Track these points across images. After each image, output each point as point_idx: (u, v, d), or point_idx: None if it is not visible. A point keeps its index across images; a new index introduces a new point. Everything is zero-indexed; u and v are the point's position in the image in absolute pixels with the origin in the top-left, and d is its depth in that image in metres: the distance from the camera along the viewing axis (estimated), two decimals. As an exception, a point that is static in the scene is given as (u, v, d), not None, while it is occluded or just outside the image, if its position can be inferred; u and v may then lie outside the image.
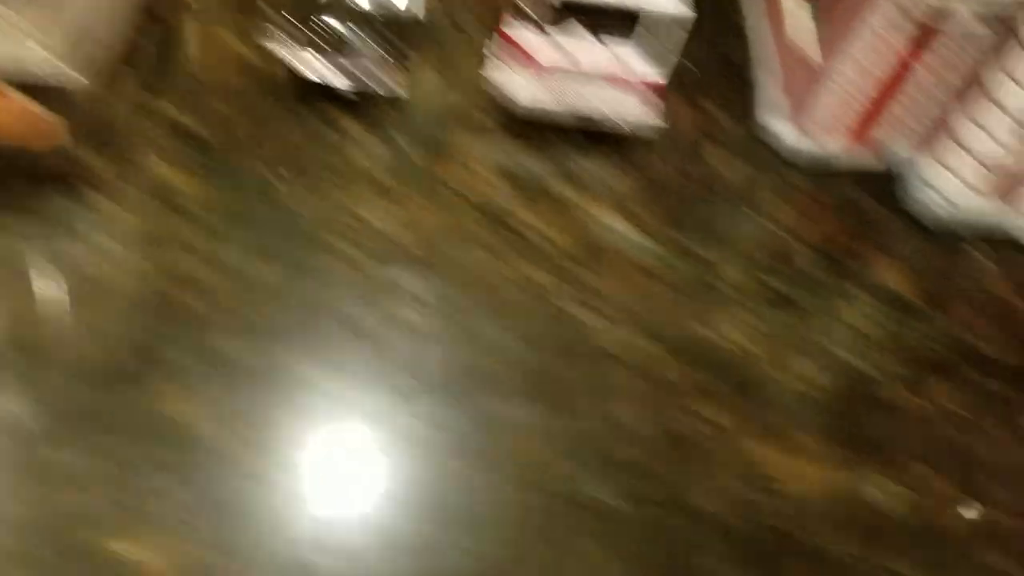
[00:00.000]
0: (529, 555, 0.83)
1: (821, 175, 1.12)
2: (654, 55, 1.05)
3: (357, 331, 0.93)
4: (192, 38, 1.16)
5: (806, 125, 1.11)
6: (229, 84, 1.12)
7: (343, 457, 0.86)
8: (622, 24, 1.03)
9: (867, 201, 1.11)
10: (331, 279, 0.97)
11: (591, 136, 1.12)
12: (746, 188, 1.11)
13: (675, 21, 1.02)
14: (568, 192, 1.08)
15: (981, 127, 1.00)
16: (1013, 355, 1.00)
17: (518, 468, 0.87)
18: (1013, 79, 0.95)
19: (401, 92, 1.12)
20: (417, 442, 0.87)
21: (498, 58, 1.10)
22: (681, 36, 1.03)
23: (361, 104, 1.12)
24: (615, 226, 1.05)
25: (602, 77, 1.06)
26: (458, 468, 0.86)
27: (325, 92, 1.10)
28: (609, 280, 1.01)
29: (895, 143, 1.11)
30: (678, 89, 1.16)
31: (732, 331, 0.97)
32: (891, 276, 1.05)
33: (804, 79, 1.09)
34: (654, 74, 1.06)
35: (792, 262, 1.05)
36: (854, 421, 0.94)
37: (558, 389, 0.92)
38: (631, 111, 1.09)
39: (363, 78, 1.10)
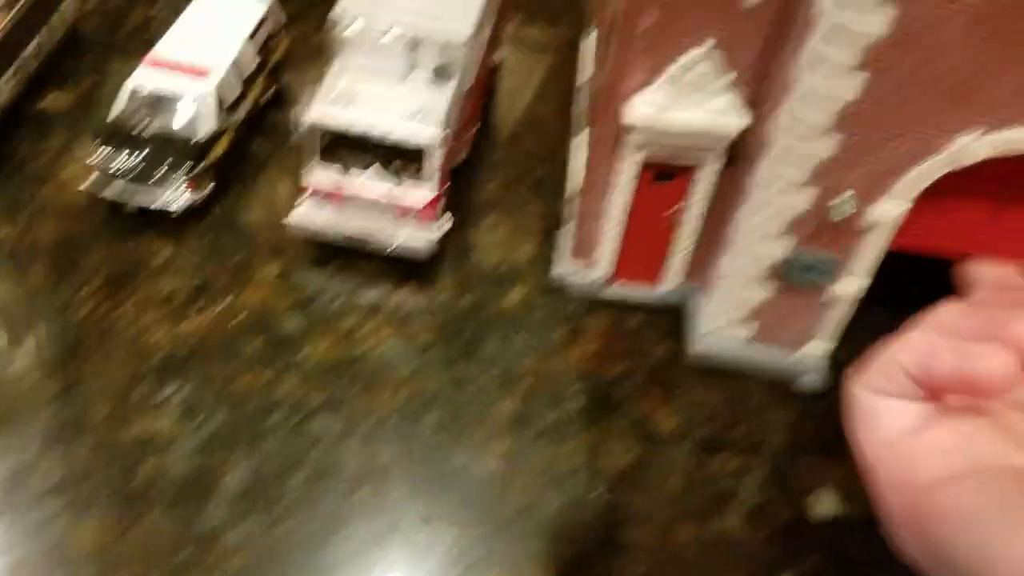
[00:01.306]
0: None
1: (604, 309, 1.18)
2: (422, 179, 1.12)
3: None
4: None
5: (588, 261, 1.17)
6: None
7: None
8: (394, 153, 1.11)
9: (645, 334, 1.17)
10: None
11: (382, 260, 1.18)
12: (531, 318, 1.16)
13: (423, 147, 1.09)
14: (353, 315, 1.14)
15: (732, 266, 1.06)
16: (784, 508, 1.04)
17: None
18: (754, 215, 1.01)
19: (192, 207, 1.19)
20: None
21: (298, 189, 1.17)
22: (435, 161, 1.10)
23: (162, 223, 1.18)
24: (393, 348, 1.10)
25: (379, 203, 1.13)
26: None
27: (138, 213, 1.18)
28: (375, 400, 1.05)
29: (669, 280, 1.16)
30: (478, 217, 1.24)
31: (490, 458, 1.01)
32: (658, 410, 1.09)
33: (582, 220, 1.15)
34: (424, 197, 1.13)
35: (565, 394, 1.09)
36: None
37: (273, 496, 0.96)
38: (407, 234, 1.15)
39: (164, 199, 1.17)
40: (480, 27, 1.20)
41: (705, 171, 1.03)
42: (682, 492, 1.00)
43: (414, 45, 1.14)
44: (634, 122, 0.97)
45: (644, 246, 1.15)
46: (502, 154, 1.38)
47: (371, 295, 1.15)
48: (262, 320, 1.11)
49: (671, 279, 1.17)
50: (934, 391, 0.46)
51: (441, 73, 1.14)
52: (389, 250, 1.15)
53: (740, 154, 1.00)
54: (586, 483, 0.99)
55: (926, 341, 0.46)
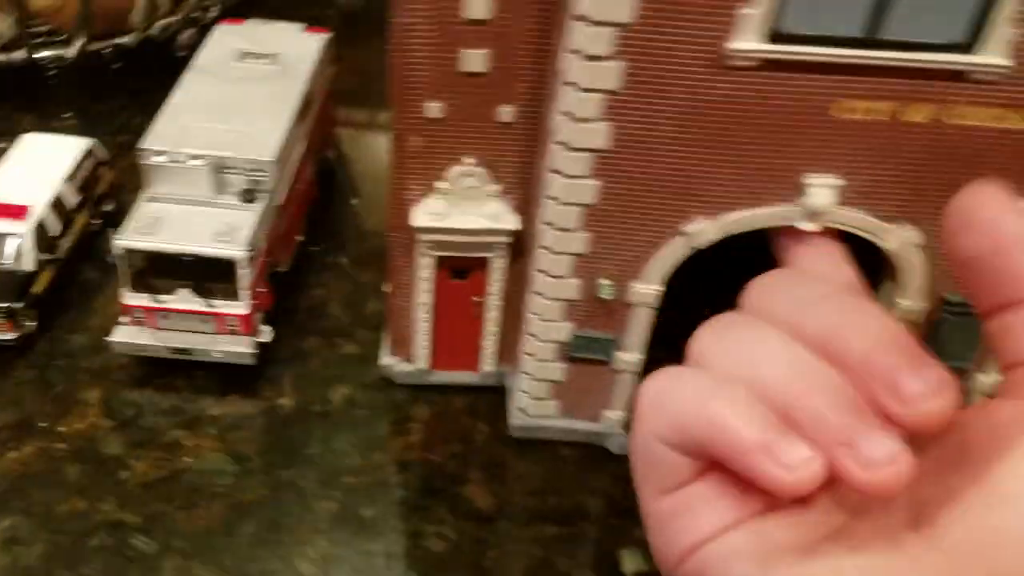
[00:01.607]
0: None
1: (428, 397, 1.25)
2: (233, 296, 1.18)
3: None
4: None
5: (406, 355, 1.24)
6: None
7: None
8: (205, 274, 1.17)
9: (468, 417, 1.25)
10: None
11: (204, 374, 1.23)
12: (355, 415, 1.22)
13: (230, 265, 1.15)
14: (175, 431, 1.18)
15: (530, 348, 1.15)
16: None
17: None
18: (537, 302, 1.10)
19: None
20: None
21: (120, 312, 1.21)
22: (244, 279, 1.16)
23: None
24: (214, 461, 1.14)
25: (196, 319, 1.19)
26: None
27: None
28: (193, 515, 1.08)
29: (486, 364, 1.25)
30: (304, 322, 1.31)
31: (304, 563, 1.05)
32: (477, 490, 1.16)
33: (394, 317, 1.23)
34: (238, 312, 1.19)
35: (387, 486, 1.15)
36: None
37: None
38: (226, 347, 1.21)
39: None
40: (287, 146, 1.28)
41: (495, 267, 1.13)
42: (496, 567, 1.07)
43: (220, 168, 1.21)
44: (419, 227, 1.06)
45: (456, 336, 1.23)
46: (330, 258, 1.46)
47: (193, 409, 1.20)
48: (84, 446, 1.13)
49: (487, 363, 1.25)
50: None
51: (248, 194, 1.21)
52: (212, 360, 1.20)
53: (522, 249, 1.10)
54: (401, 573, 1.04)
55: (676, 391, 0.36)
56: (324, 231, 1.50)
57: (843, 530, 0.35)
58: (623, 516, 1.14)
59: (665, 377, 0.37)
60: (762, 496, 0.34)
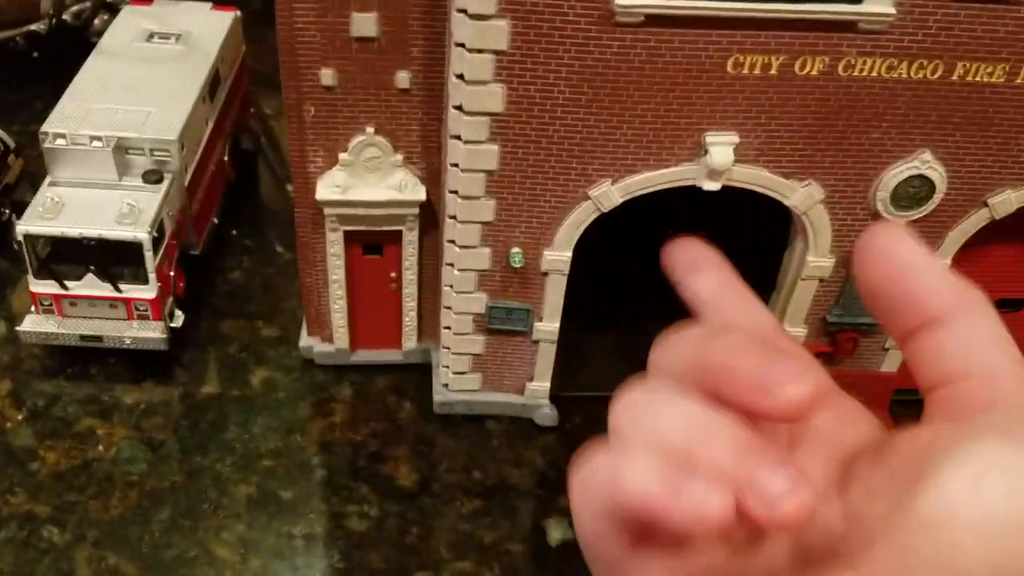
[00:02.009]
0: None
1: (350, 377, 1.23)
2: (141, 279, 1.15)
3: None
4: None
5: (325, 335, 1.22)
6: None
7: None
8: (111, 258, 1.14)
9: (391, 396, 1.23)
10: None
11: (117, 361, 1.20)
12: (273, 398, 1.20)
13: (133, 244, 1.12)
14: (87, 420, 1.14)
15: (449, 322, 1.13)
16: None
17: None
18: (452, 274, 1.08)
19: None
20: None
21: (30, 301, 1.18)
22: (151, 261, 1.13)
23: None
24: (127, 449, 1.11)
25: (105, 305, 1.15)
26: None
27: None
28: (106, 504, 1.06)
29: (408, 342, 1.23)
30: (220, 305, 1.28)
31: (221, 548, 1.03)
32: (401, 467, 1.14)
33: (309, 296, 1.20)
34: (147, 296, 1.15)
35: (307, 468, 1.13)
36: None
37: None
38: (137, 333, 1.17)
39: None
40: (193, 125, 1.25)
41: (407, 240, 1.11)
42: (420, 543, 1.06)
43: (124, 149, 1.18)
44: (323, 201, 1.04)
45: (376, 314, 1.21)
46: (248, 241, 1.43)
47: (107, 397, 1.17)
48: (-8, 440, 1.10)
49: (409, 341, 1.24)
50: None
51: (153, 174, 1.18)
52: (123, 347, 1.17)
53: (433, 222, 1.08)
54: (322, 555, 1.03)
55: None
56: (246, 214, 1.47)
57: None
58: (549, 487, 1.13)
59: (584, 466, 0.40)
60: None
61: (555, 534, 1.08)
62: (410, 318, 1.20)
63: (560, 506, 1.10)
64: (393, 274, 1.15)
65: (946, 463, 0.33)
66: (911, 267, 0.37)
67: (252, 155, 1.57)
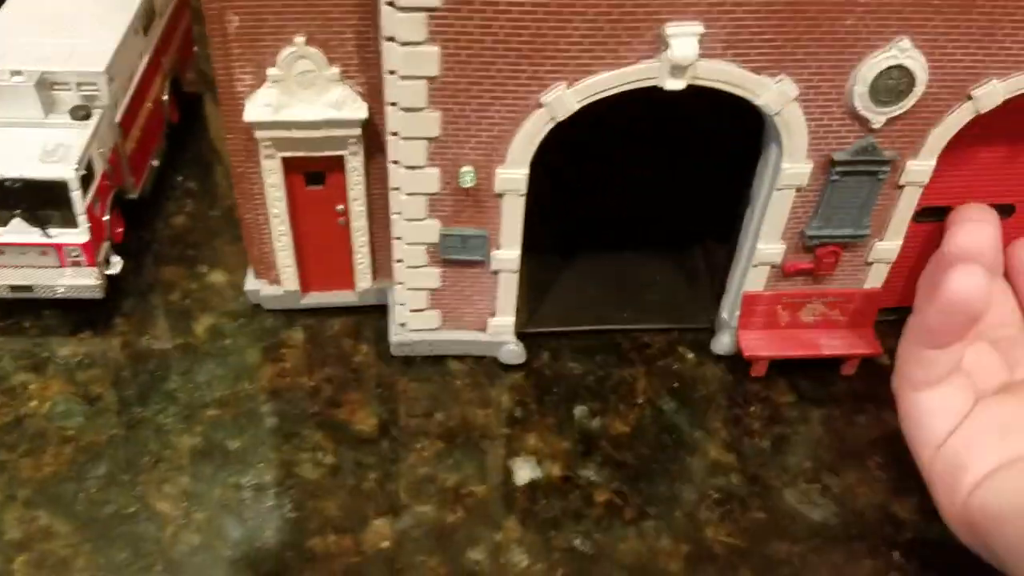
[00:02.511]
0: None
1: (302, 321, 1.16)
2: (70, 223, 1.07)
3: None
4: None
5: (272, 277, 1.14)
6: None
7: None
8: (38, 200, 1.05)
9: (346, 339, 1.15)
10: None
11: (51, 312, 1.12)
12: (219, 346, 1.12)
13: (59, 184, 1.04)
14: (19, 374, 1.07)
15: (402, 255, 1.05)
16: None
17: None
18: (400, 201, 1.00)
19: None
20: None
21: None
22: (80, 204, 1.05)
23: None
24: (61, 404, 1.04)
25: (34, 252, 1.07)
26: None
27: None
28: (39, 462, 0.98)
29: (361, 281, 1.15)
30: (163, 250, 1.20)
31: (163, 502, 0.96)
32: (357, 412, 1.07)
33: (250, 235, 1.12)
34: (78, 240, 1.07)
35: (255, 416, 1.06)
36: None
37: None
38: (70, 280, 1.10)
39: None
40: (123, 58, 1.16)
41: (351, 167, 1.03)
42: (378, 488, 0.99)
43: (48, 84, 1.09)
44: (253, 122, 0.95)
45: (325, 252, 1.13)
46: (193, 184, 1.35)
47: (41, 351, 1.09)
48: (-85, 398, 1.03)
49: (363, 280, 1.16)
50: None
51: (80, 110, 1.09)
52: (56, 296, 1.10)
53: (379, 146, 1.00)
54: (272, 504, 0.96)
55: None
56: (192, 159, 1.39)
57: None
58: (516, 427, 1.06)
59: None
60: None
61: (522, 474, 1.01)
62: (362, 255, 1.12)
63: (528, 446, 1.03)
64: (340, 206, 1.07)
65: None
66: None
67: (199, 98, 1.48)
